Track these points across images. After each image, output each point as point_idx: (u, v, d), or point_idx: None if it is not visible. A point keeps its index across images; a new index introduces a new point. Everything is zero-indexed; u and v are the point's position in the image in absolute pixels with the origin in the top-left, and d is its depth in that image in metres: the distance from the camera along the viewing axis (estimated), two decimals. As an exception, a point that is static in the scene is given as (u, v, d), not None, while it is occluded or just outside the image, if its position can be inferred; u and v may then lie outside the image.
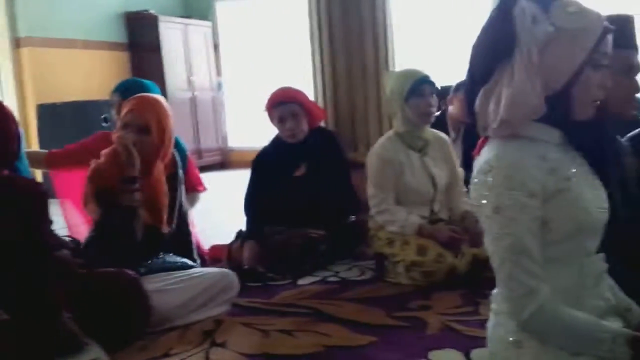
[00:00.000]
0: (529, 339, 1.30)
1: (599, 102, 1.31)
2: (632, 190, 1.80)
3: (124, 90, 3.16)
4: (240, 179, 3.89)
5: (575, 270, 1.32)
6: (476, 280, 2.67)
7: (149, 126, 2.51)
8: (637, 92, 1.77)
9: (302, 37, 4.39)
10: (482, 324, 1.57)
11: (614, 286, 1.42)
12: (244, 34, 8.63)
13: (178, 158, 2.78)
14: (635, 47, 1.75)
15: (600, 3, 1.32)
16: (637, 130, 2.20)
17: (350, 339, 2.29)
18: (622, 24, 1.67)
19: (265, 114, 3.43)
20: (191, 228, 2.87)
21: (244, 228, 3.39)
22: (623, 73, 1.69)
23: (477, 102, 1.34)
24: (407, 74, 3.04)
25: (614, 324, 1.32)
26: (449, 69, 5.74)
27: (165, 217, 2.58)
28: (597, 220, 1.33)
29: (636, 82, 1.74)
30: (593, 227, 1.32)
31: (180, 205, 2.71)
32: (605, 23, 1.29)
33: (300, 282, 3.05)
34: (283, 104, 3.35)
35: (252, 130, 8.08)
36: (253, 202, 3.40)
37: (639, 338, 1.23)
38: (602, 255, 1.37)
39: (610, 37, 1.30)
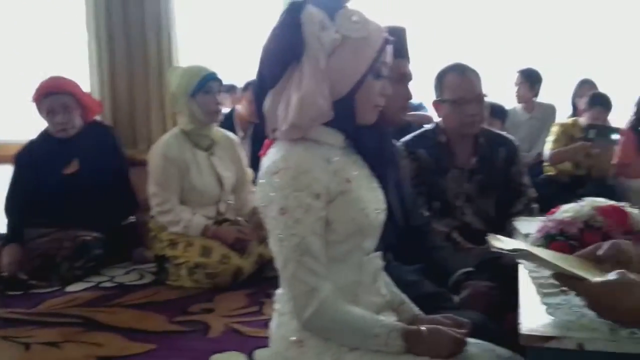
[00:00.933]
0: (311, 337, 1.31)
1: (379, 108, 1.37)
2: (407, 191, 1.94)
3: None
4: (1, 175, 3.50)
5: (354, 269, 1.37)
6: (261, 280, 2.69)
7: None
8: (410, 100, 1.91)
9: (77, 24, 4.09)
10: (266, 323, 1.57)
11: (390, 282, 1.50)
12: (6, 13, 7.78)
13: None
14: (407, 56, 1.88)
15: (375, 14, 1.39)
16: (410, 135, 2.39)
17: (126, 347, 2.16)
18: (397, 35, 1.78)
19: (33, 105, 3.12)
20: None
21: (3, 230, 3.04)
22: (398, 81, 1.81)
23: (266, 103, 1.34)
24: (193, 70, 2.96)
25: (389, 319, 1.38)
26: (237, 67, 5.75)
27: None
28: (375, 221, 1.39)
29: (409, 89, 1.87)
30: (371, 227, 1.38)
31: None
32: (386, 34, 1.35)
33: (70, 288, 2.83)
34: (53, 95, 3.08)
35: (16, 122, 7.31)
36: (15, 202, 3.08)
37: (411, 331, 1.31)
38: (379, 253, 1.44)
39: (390, 48, 1.36)
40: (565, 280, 1.14)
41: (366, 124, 1.37)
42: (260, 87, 1.34)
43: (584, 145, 3.86)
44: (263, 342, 1.72)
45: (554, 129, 4.07)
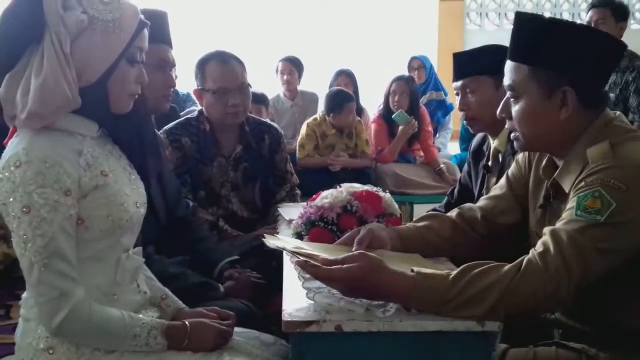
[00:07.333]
0: (61, 343, 1.23)
1: (136, 96, 1.30)
2: (170, 181, 1.88)
3: None
4: None
5: (111, 268, 1.29)
6: (10, 280, 2.40)
7: None
8: (172, 87, 1.84)
9: None
10: (15, 329, 1.41)
11: (151, 277, 1.44)
12: None
13: None
14: (169, 42, 1.81)
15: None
16: (173, 123, 2.32)
17: None
18: (157, 19, 1.71)
19: None
20: None
21: None
22: (158, 68, 1.74)
23: (3, 88, 1.20)
24: None
25: (150, 316, 1.33)
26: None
27: None
28: (135, 216, 1.31)
29: (171, 76, 1.81)
30: (131, 222, 1.30)
31: None
32: (142, 17, 1.28)
33: None
34: None
35: None
36: None
37: (173, 327, 1.28)
38: (139, 249, 1.37)
39: (146, 32, 1.29)
40: (315, 273, 1.20)
41: (122, 113, 1.29)
42: (-5, 70, 1.21)
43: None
44: (12, 349, 1.54)
45: (303, 129, 4.00)
